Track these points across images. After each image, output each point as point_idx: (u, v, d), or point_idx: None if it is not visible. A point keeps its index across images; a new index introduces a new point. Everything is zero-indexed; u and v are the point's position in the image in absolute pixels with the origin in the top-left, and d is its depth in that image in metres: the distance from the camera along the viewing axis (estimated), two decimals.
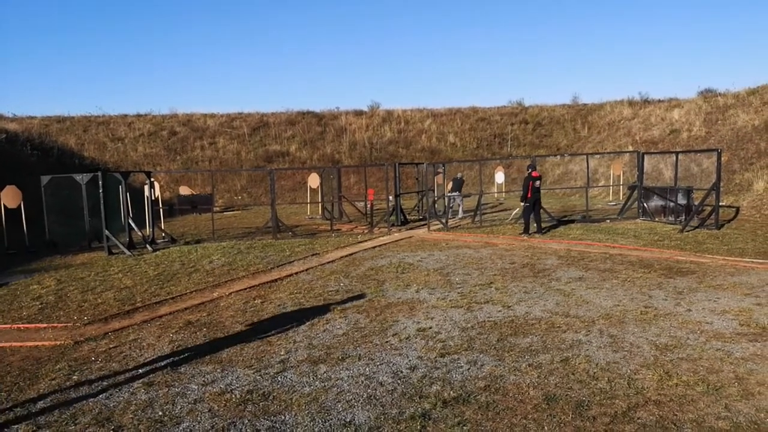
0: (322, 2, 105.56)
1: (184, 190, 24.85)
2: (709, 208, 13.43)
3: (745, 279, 8.07)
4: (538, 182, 13.27)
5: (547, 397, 4.40)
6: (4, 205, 13.88)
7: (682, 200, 14.15)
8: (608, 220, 15.21)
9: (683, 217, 13.69)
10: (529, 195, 13.13)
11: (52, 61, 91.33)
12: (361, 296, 7.92)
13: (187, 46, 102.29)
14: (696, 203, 13.64)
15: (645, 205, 15.27)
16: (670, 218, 14.45)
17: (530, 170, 13.28)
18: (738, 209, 15.36)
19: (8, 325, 7.16)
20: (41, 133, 28.77)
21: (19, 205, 13.94)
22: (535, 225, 13.39)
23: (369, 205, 16.25)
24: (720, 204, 13.34)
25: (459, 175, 17.97)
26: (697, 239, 11.72)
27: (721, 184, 13.82)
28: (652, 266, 9.20)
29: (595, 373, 4.84)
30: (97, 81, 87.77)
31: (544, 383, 4.68)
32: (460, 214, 17.81)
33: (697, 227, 13.01)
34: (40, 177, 14.20)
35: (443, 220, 15.77)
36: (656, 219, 14.81)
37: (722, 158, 14.49)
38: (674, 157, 15.62)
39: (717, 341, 5.52)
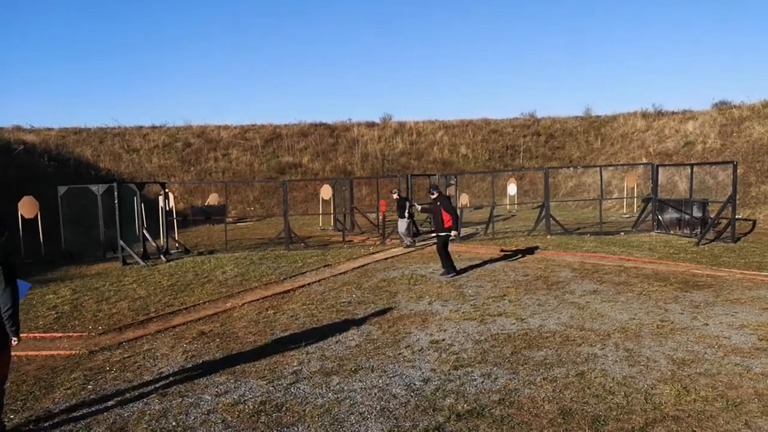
0: (335, 15, 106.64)
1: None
2: (725, 221, 13.27)
3: (763, 293, 7.94)
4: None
5: (562, 412, 4.35)
6: (22, 215, 14.09)
7: (697, 213, 13.99)
8: (622, 233, 15.08)
9: (699, 230, 13.53)
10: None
11: (70, 74, 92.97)
12: (373, 308, 7.91)
13: (202, 59, 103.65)
14: (712, 216, 13.48)
15: (660, 217, 15.13)
16: (685, 231, 14.29)
17: (438, 192, 10.34)
18: (755, 222, 15.17)
19: (24, 334, 7.21)
20: (58, 145, 29.25)
21: (36, 215, 14.15)
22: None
23: (381, 217, 16.26)
24: (736, 217, 13.18)
25: (396, 193, 15.14)
26: (714, 252, 11.57)
27: (737, 196, 13.67)
28: (668, 279, 9.09)
29: (611, 387, 4.78)
30: (113, 93, 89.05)
31: (559, 397, 4.63)
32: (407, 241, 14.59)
33: (713, 240, 12.85)
34: (57, 187, 14.42)
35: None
36: (671, 232, 14.65)
37: (738, 171, 14.32)
38: (689, 170, 15.49)
39: (736, 356, 5.43)
